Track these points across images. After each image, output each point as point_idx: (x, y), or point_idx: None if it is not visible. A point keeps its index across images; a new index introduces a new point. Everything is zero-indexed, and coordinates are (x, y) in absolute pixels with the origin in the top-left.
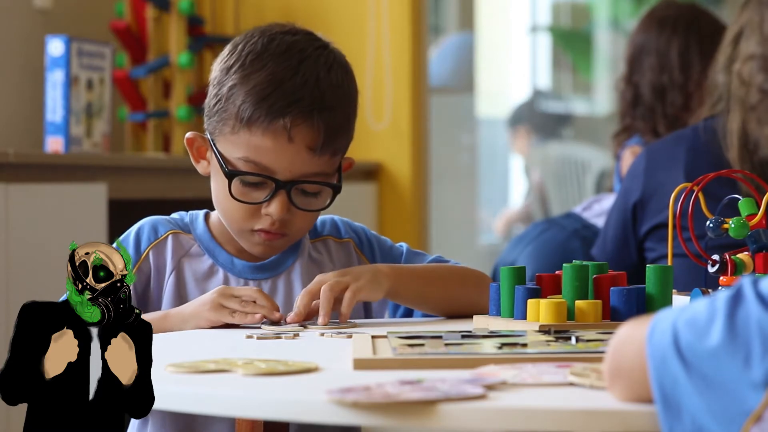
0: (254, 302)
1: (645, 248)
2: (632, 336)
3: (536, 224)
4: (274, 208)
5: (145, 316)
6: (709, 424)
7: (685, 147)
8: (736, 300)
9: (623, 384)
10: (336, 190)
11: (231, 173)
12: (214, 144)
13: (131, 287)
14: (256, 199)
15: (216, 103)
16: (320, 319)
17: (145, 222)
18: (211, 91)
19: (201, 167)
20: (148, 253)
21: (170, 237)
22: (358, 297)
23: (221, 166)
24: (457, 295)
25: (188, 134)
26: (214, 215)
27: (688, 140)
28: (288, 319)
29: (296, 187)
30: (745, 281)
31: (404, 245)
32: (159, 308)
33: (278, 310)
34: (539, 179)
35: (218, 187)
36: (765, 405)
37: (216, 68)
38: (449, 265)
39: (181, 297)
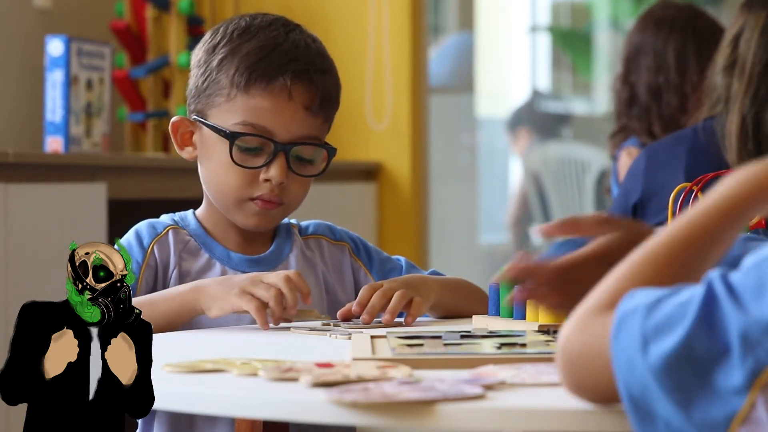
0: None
1: None
2: (592, 347)
3: (551, 246)
4: (274, 172)
5: (175, 288)
6: (687, 428)
7: (685, 147)
8: (708, 300)
9: (590, 395)
10: (331, 152)
11: (232, 135)
12: (205, 120)
13: (143, 283)
14: (255, 164)
15: (205, 81)
16: (385, 318)
17: (141, 223)
18: (196, 72)
19: (186, 154)
20: (152, 247)
21: (170, 232)
22: (421, 312)
23: (220, 132)
24: (481, 310)
25: (174, 119)
26: (201, 211)
27: (688, 141)
28: (362, 319)
29: (293, 153)
30: (713, 276)
31: (402, 258)
32: None
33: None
34: (535, 173)
35: (212, 163)
36: (749, 406)
37: (198, 53)
38: (463, 279)
39: None
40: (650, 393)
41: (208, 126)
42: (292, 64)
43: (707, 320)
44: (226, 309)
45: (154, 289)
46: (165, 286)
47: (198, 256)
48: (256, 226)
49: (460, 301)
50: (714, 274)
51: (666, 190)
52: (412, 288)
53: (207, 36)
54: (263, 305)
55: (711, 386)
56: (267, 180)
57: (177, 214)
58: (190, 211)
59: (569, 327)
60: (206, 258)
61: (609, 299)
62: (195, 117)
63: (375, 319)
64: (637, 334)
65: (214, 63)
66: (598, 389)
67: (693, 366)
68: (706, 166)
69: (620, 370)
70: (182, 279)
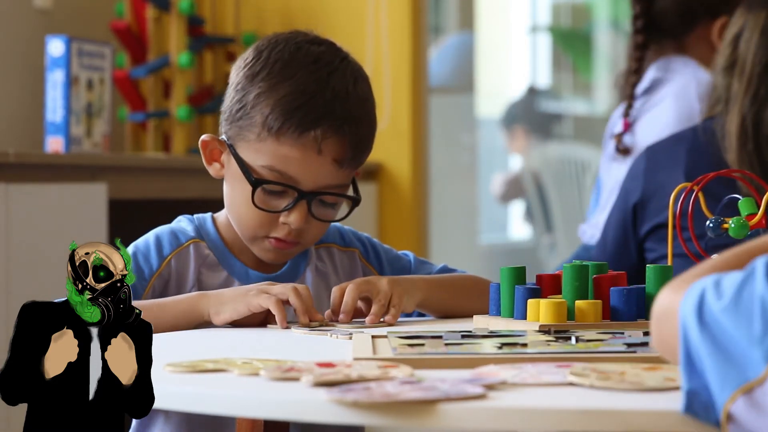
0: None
1: (645, 248)
2: (670, 307)
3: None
4: (294, 218)
5: (181, 296)
6: (713, 385)
7: (686, 147)
8: (747, 276)
9: (670, 356)
10: (356, 202)
11: (256, 182)
12: (234, 150)
13: (150, 291)
14: (276, 207)
15: (239, 110)
16: (368, 319)
17: (162, 229)
18: (233, 95)
19: (213, 170)
20: (170, 259)
21: (192, 246)
22: (401, 310)
23: (245, 173)
24: (478, 306)
25: (204, 137)
26: (221, 219)
27: (688, 141)
28: (341, 319)
29: (317, 198)
30: (760, 261)
31: (410, 254)
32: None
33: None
34: (536, 173)
35: (234, 192)
36: (760, 381)
37: (238, 73)
38: (467, 275)
39: None
40: (697, 347)
41: (236, 159)
42: (326, 117)
43: (741, 293)
44: (241, 311)
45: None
46: None
47: (217, 272)
48: (270, 260)
49: (454, 298)
50: (761, 259)
51: (666, 190)
52: (399, 287)
53: (249, 56)
54: (281, 301)
55: (736, 352)
56: (285, 223)
57: (196, 217)
58: (209, 215)
59: (665, 288)
60: (225, 275)
61: (699, 273)
62: (225, 139)
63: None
64: (698, 293)
65: (251, 96)
66: (670, 346)
67: (726, 330)
68: (705, 167)
69: (682, 326)
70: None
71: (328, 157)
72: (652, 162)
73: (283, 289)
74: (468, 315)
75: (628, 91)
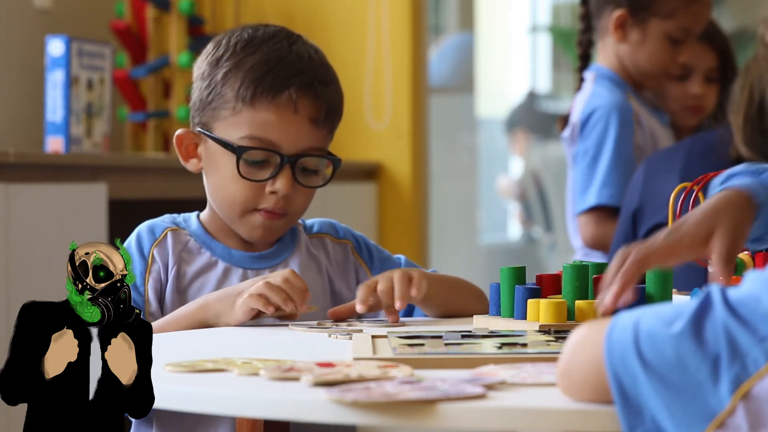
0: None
1: None
2: (588, 337)
3: None
4: (280, 184)
5: (182, 310)
6: (668, 425)
7: (682, 153)
8: (703, 306)
9: (569, 383)
10: (336, 163)
11: (239, 149)
12: (211, 133)
13: (151, 291)
14: (261, 176)
15: (209, 93)
16: (398, 304)
17: (141, 227)
18: (200, 85)
19: (191, 165)
20: (152, 253)
21: (169, 234)
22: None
23: (226, 146)
24: (472, 307)
25: (178, 132)
26: (204, 215)
27: (685, 147)
28: (358, 309)
29: (298, 164)
30: (714, 289)
31: (402, 258)
32: (167, 304)
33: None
34: (536, 173)
35: (218, 174)
36: (729, 412)
37: (201, 65)
38: (461, 278)
39: (180, 291)
40: (640, 385)
41: (214, 139)
42: (297, 77)
43: (700, 323)
44: (233, 322)
45: (161, 294)
46: (165, 286)
47: (198, 255)
48: (260, 237)
49: (453, 297)
50: (713, 286)
51: (662, 193)
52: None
53: (209, 48)
54: (269, 300)
55: (696, 387)
56: (273, 192)
57: (181, 215)
58: (195, 213)
59: (584, 324)
60: (207, 256)
61: None
62: (200, 130)
63: (377, 319)
64: (630, 329)
65: (219, 76)
66: (581, 378)
67: (682, 365)
68: (701, 167)
69: (611, 363)
70: (179, 279)
71: (304, 117)
72: (650, 171)
73: (271, 292)
74: (465, 316)
75: (579, 64)
